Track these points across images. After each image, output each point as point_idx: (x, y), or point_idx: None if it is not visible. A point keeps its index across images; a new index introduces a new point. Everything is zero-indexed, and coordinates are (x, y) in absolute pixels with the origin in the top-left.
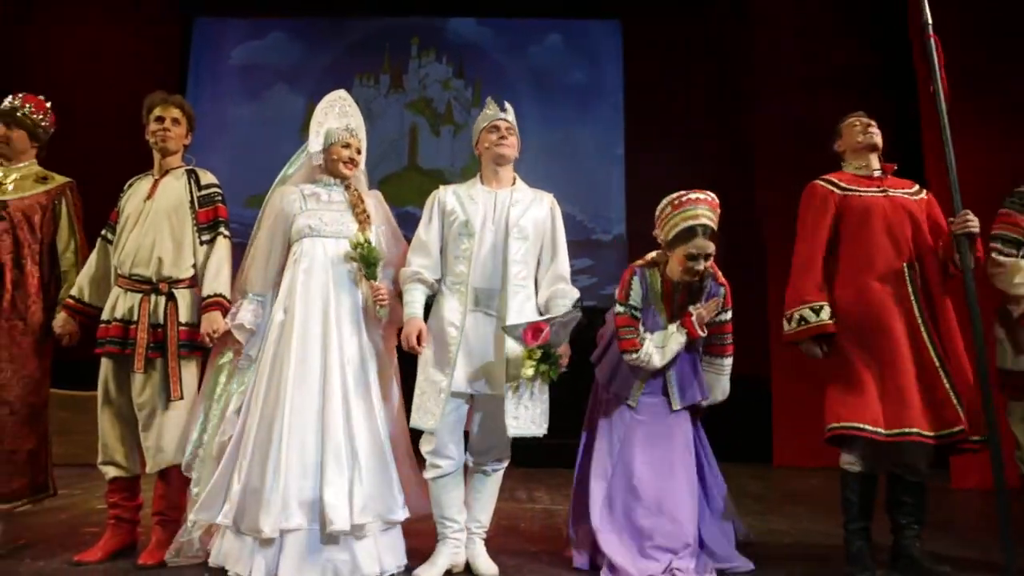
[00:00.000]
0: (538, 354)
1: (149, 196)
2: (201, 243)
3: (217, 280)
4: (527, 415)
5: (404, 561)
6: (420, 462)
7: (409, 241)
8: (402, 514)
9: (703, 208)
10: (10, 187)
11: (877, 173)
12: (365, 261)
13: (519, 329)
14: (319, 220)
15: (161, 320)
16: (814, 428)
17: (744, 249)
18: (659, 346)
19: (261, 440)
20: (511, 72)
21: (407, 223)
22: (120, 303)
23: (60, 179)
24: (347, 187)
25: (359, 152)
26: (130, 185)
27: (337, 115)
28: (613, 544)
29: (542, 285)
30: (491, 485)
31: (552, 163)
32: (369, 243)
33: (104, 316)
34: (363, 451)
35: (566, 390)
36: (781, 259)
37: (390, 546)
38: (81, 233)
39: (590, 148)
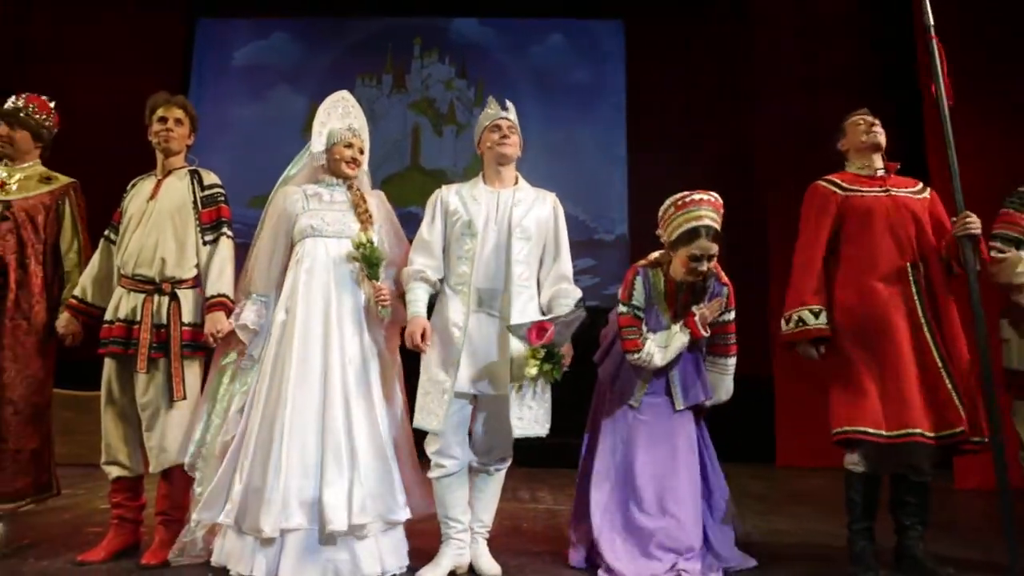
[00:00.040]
0: (542, 353)
1: (152, 196)
2: (204, 243)
3: (220, 280)
4: (531, 415)
5: (406, 562)
6: (424, 462)
7: (411, 241)
8: (403, 514)
9: (706, 209)
10: (14, 187)
11: (880, 172)
12: (367, 261)
13: (523, 328)
14: (321, 220)
15: (164, 320)
16: (817, 428)
17: (745, 249)
18: (662, 346)
19: (263, 440)
20: (513, 72)
21: (409, 223)
22: (123, 303)
23: (64, 179)
24: (349, 187)
25: (362, 152)
26: (133, 185)
27: (340, 115)
28: (614, 546)
29: (545, 285)
30: (494, 485)
31: (554, 163)
32: (371, 243)
33: (107, 316)
34: (363, 451)
35: (569, 390)
36: (783, 259)
37: (392, 547)
38: (84, 233)
39: (592, 148)
